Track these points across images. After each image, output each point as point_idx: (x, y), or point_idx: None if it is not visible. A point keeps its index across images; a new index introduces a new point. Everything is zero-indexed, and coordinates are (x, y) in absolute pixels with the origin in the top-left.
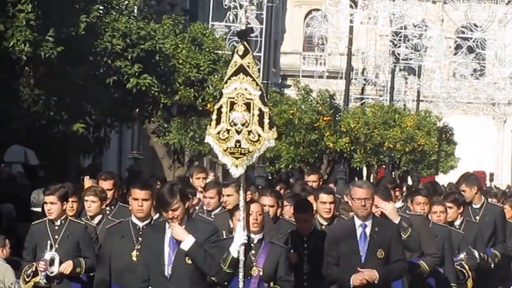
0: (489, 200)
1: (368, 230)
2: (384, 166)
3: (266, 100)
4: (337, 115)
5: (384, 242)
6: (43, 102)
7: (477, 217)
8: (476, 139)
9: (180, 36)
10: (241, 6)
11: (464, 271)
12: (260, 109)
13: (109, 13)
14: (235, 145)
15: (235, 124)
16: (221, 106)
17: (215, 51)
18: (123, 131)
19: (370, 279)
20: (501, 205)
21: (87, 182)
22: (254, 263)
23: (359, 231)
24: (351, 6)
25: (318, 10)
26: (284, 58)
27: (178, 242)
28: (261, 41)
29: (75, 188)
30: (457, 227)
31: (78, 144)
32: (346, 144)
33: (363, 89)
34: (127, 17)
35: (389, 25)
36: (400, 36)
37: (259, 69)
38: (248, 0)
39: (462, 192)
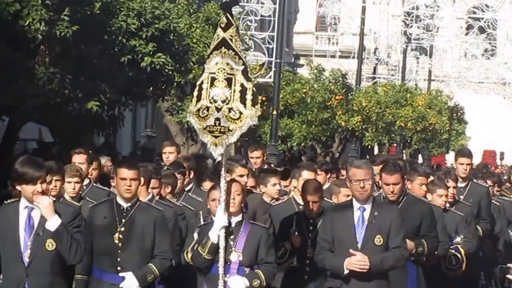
0: (475, 180)
1: (366, 214)
2: (395, 145)
3: (249, 75)
4: (349, 94)
5: (384, 228)
6: (58, 81)
7: (461, 197)
8: (486, 118)
9: (194, 16)
10: None
11: (459, 255)
12: (242, 85)
13: None
14: (215, 123)
15: (215, 101)
16: (202, 82)
17: None
18: (137, 109)
19: (359, 265)
20: (487, 185)
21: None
22: (233, 248)
23: (356, 215)
24: None
25: None
26: (297, 37)
27: (40, 225)
28: (274, 20)
29: (58, 167)
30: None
31: (92, 122)
32: (358, 123)
33: (375, 69)
34: None
35: (401, 5)
36: (412, 16)
37: (272, 49)
38: None
39: (461, 166)
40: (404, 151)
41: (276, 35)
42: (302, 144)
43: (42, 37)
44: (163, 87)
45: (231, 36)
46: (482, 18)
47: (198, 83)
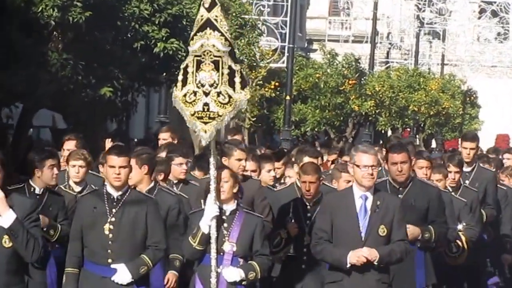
0: (481, 164)
1: (369, 203)
2: (408, 129)
3: (236, 56)
4: (362, 79)
5: (387, 218)
6: (71, 67)
7: (467, 181)
8: (500, 102)
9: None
10: None
11: (460, 243)
12: (230, 67)
13: None
14: (203, 108)
15: (203, 85)
16: (187, 66)
17: (242, 16)
18: (150, 95)
19: (370, 258)
20: (493, 169)
21: (108, 144)
22: (227, 238)
23: (358, 203)
24: None
25: None
26: (310, 22)
27: None
28: (287, 5)
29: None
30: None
31: (105, 108)
32: (371, 107)
33: (388, 53)
34: None
35: None
36: (425, 0)
37: (285, 34)
38: None
39: (464, 150)
40: (417, 135)
41: (289, 20)
42: (316, 129)
43: (55, 23)
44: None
45: (216, 16)
46: (495, 2)
47: (182, 66)
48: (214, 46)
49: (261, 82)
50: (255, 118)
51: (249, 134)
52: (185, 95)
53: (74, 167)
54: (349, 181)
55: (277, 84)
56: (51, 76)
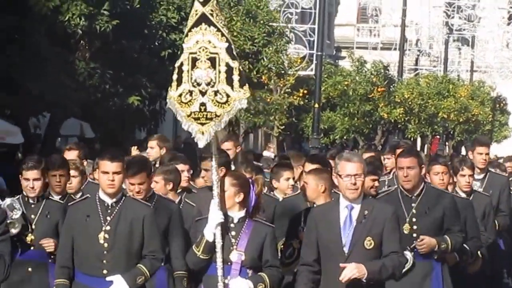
0: (492, 170)
1: (355, 213)
2: (438, 137)
3: (234, 53)
4: (391, 86)
5: (375, 229)
6: (98, 76)
7: (480, 189)
8: None
9: (235, 9)
10: None
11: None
12: (227, 65)
13: None
14: (200, 108)
15: (199, 84)
16: (181, 64)
17: (270, 23)
18: None
19: (357, 275)
20: (506, 174)
21: (134, 152)
22: (235, 246)
23: (343, 214)
24: None
25: None
26: (338, 29)
27: None
28: (315, 13)
29: (62, 161)
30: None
31: (133, 117)
32: (400, 115)
33: (417, 60)
34: None
35: None
36: (454, 7)
37: (313, 41)
38: None
39: (479, 156)
40: (447, 142)
41: (317, 28)
42: (345, 137)
43: (82, 32)
44: None
45: (212, 10)
46: None
47: (176, 65)
48: (210, 42)
49: (289, 90)
50: (283, 126)
51: (277, 142)
52: (180, 95)
53: (54, 177)
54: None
55: (305, 92)
56: (78, 85)
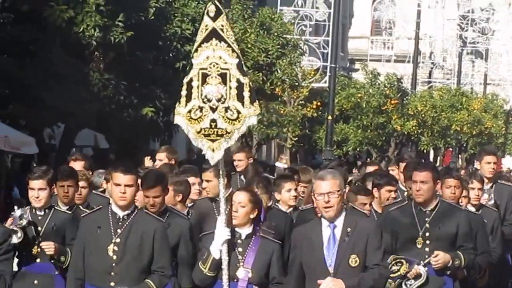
0: (499, 181)
1: (338, 232)
2: (451, 149)
3: (245, 69)
4: (405, 99)
5: (359, 246)
6: (112, 87)
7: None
8: None
9: (249, 21)
10: None
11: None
12: (238, 81)
13: None
14: (210, 125)
15: (209, 100)
16: (191, 80)
17: (284, 36)
18: None
19: None
20: None
21: (147, 162)
22: (241, 263)
23: (326, 233)
24: None
25: None
26: (352, 42)
27: None
28: (329, 25)
29: (70, 171)
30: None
31: (147, 128)
32: (414, 127)
33: (430, 73)
34: (196, 2)
35: (456, 9)
36: (468, 20)
37: (327, 54)
38: None
39: (487, 165)
40: (459, 155)
41: (331, 40)
42: (358, 149)
43: (97, 43)
44: None
45: (222, 26)
46: None
47: (185, 81)
48: (221, 58)
49: (303, 102)
50: (297, 138)
51: (291, 154)
52: (189, 111)
53: (62, 187)
54: (365, 204)
55: (319, 104)
56: (93, 96)
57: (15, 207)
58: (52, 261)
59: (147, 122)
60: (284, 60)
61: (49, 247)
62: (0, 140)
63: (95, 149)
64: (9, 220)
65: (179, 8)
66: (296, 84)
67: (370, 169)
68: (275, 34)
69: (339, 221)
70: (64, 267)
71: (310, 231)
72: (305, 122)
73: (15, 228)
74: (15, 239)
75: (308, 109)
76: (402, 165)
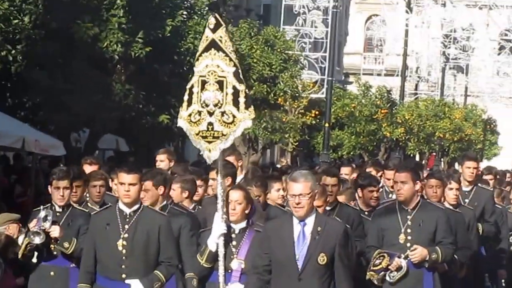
0: (479, 184)
1: (308, 229)
2: (434, 154)
3: (241, 76)
4: (393, 108)
5: (328, 245)
6: (133, 96)
7: (466, 200)
8: None
9: (255, 38)
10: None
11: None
12: (234, 87)
13: (192, 17)
14: (208, 128)
15: (207, 105)
16: (192, 86)
17: (286, 52)
18: None
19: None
20: (491, 189)
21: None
22: (235, 255)
23: (296, 229)
24: (406, 12)
25: (377, 15)
26: (347, 58)
27: None
28: (326, 42)
29: (80, 173)
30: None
31: (163, 133)
32: (401, 134)
33: (416, 85)
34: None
35: (440, 28)
36: (450, 38)
37: (324, 68)
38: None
39: (468, 170)
40: (442, 159)
41: (328, 56)
42: (351, 153)
43: (119, 57)
44: None
45: (221, 37)
46: None
47: (188, 87)
48: (218, 66)
49: (302, 111)
50: (297, 143)
51: (292, 157)
52: (190, 115)
53: (95, 187)
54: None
55: (317, 112)
56: (115, 104)
57: (41, 207)
58: (56, 245)
59: (162, 128)
60: (286, 74)
61: (55, 230)
62: (31, 143)
63: (116, 151)
64: (34, 221)
65: (192, 26)
66: (297, 95)
67: (344, 170)
68: (278, 50)
69: (310, 220)
70: (68, 253)
71: (281, 227)
72: (305, 128)
73: (38, 231)
74: (37, 240)
75: (307, 117)
76: (388, 172)
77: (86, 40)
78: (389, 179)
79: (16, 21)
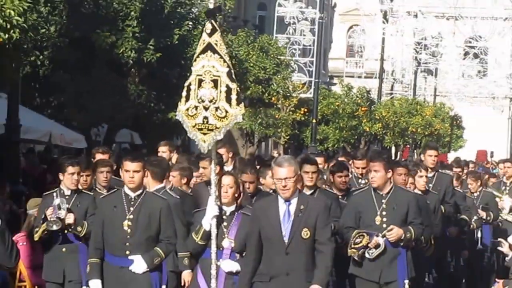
0: (440, 170)
1: (292, 208)
2: (408, 146)
3: (233, 76)
4: (372, 106)
5: (310, 221)
6: (145, 96)
7: (430, 185)
8: (479, 125)
9: (251, 45)
10: (298, 21)
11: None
12: (227, 86)
13: (196, 27)
14: (203, 121)
15: (203, 101)
16: (190, 84)
17: (278, 57)
18: None
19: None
20: (451, 173)
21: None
22: (226, 235)
23: (282, 209)
24: (383, 22)
25: (357, 25)
26: (331, 62)
27: None
28: (313, 49)
29: (88, 162)
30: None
31: (172, 128)
32: (379, 129)
33: (392, 86)
34: None
35: (412, 37)
36: (421, 45)
37: (312, 71)
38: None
39: (430, 158)
40: (415, 151)
41: (315, 60)
42: (336, 146)
43: (133, 62)
44: None
45: (216, 41)
46: (476, 46)
47: (186, 84)
48: (214, 67)
49: (293, 108)
50: (288, 137)
51: (284, 149)
52: (187, 109)
53: (102, 173)
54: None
55: (305, 110)
56: (129, 103)
57: (54, 195)
58: (70, 229)
59: (171, 123)
60: (279, 76)
61: (70, 217)
62: (57, 137)
63: (131, 144)
64: (50, 209)
65: (197, 35)
66: (288, 94)
67: (317, 160)
68: (272, 55)
69: (294, 200)
70: (80, 236)
71: (268, 206)
72: (295, 124)
73: (55, 219)
74: (54, 227)
75: (297, 114)
76: (356, 162)
77: (104, 47)
78: (358, 168)
79: (43, 30)
